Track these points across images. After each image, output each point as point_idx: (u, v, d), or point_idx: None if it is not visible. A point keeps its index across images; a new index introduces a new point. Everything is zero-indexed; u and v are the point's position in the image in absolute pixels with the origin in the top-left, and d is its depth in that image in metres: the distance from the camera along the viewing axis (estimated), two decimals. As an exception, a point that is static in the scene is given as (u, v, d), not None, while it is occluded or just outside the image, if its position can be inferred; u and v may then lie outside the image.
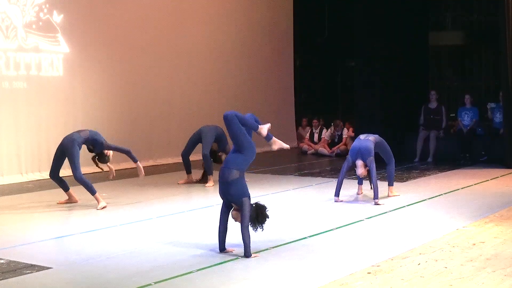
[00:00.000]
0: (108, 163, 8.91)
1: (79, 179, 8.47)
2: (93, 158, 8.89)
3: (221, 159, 10.33)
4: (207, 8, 14.69)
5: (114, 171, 8.99)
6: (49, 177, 8.91)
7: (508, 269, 5.49)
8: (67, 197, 8.83)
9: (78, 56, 12.14)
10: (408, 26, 14.22)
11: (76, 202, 8.81)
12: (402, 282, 5.16)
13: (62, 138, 8.68)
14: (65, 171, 9.20)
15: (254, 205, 6.08)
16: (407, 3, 14.25)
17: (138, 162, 8.89)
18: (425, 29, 15.55)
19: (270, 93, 16.27)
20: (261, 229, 6.08)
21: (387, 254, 6.01)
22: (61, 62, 11.90)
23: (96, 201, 8.55)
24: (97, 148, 8.77)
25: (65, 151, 8.57)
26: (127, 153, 8.89)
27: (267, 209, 6.12)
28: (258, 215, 6.05)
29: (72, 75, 12.08)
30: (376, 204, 8.54)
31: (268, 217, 6.11)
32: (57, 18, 11.82)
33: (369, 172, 8.72)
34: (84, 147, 8.79)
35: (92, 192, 8.52)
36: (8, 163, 11.10)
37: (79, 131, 8.81)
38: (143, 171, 8.92)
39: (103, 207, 8.44)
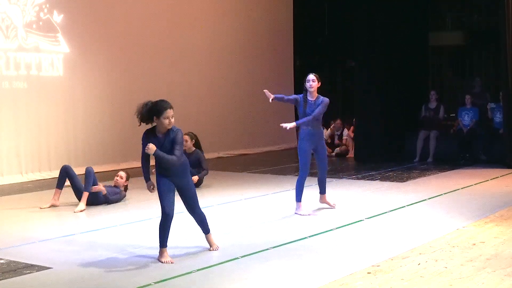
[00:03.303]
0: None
1: (88, 169, 8.49)
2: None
3: None
4: (207, 8, 14.71)
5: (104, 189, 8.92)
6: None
7: (508, 269, 5.48)
8: (51, 199, 8.60)
9: (78, 56, 12.15)
10: (408, 26, 14.23)
11: (57, 205, 8.58)
12: (402, 282, 5.15)
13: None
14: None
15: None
16: (407, 4, 14.25)
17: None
18: (425, 29, 15.56)
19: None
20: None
21: (387, 254, 6.00)
22: (61, 62, 11.90)
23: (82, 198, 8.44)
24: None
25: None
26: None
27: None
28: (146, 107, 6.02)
29: (72, 75, 12.08)
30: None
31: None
32: (57, 18, 11.82)
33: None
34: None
35: (87, 188, 8.42)
36: (8, 163, 11.10)
37: None
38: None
39: (81, 210, 8.29)
